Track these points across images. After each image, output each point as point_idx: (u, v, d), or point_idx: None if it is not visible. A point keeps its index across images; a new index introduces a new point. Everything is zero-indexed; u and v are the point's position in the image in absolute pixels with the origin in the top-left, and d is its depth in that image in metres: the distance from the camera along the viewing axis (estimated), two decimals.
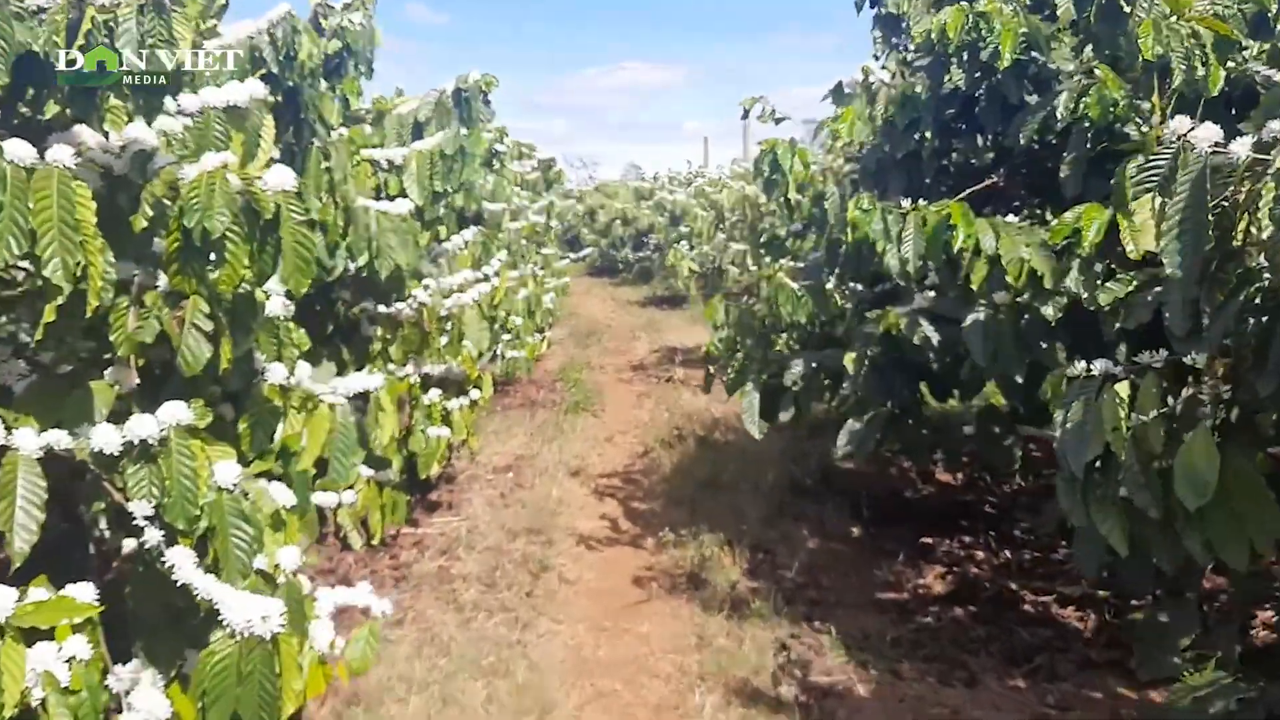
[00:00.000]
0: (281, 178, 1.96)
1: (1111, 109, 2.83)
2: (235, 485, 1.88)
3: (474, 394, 4.54)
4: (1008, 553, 4.07)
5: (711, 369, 4.24)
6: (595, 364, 9.41)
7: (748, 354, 3.83)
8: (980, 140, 3.71)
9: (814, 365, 3.63)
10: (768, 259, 9.07)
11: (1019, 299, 2.89)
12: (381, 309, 3.80)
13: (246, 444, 2.32)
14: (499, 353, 7.59)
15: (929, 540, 4.24)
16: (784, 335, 4.26)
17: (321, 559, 3.97)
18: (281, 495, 2.06)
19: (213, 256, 1.94)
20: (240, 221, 1.91)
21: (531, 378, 8.55)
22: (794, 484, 4.90)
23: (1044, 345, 2.89)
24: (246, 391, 2.38)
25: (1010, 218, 3.12)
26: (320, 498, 3.00)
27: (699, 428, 6.41)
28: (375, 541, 3.51)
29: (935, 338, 3.19)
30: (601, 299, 15.92)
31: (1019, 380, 2.97)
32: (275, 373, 2.42)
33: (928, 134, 3.57)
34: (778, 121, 4.14)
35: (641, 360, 9.73)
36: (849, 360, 3.30)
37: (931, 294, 3.38)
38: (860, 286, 3.91)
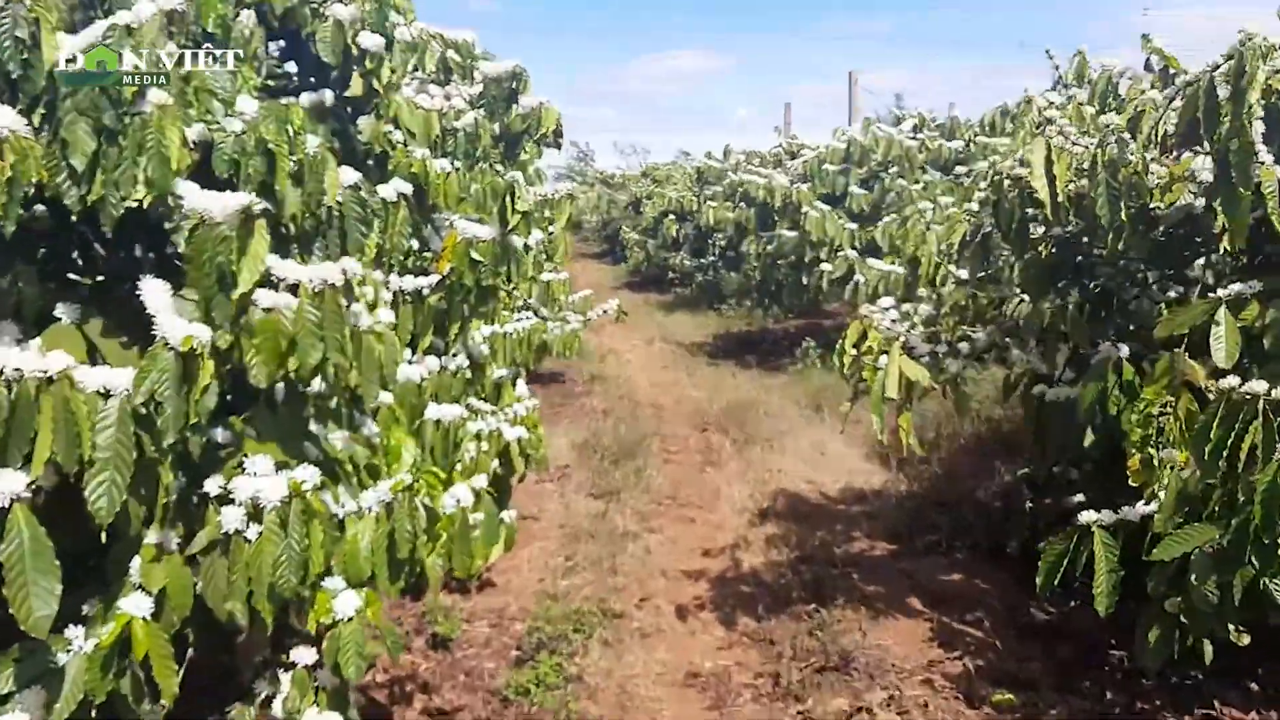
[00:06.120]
0: None
1: None
2: None
3: None
4: None
5: None
6: (627, 586, 3.81)
7: None
8: None
9: None
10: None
11: None
12: None
13: None
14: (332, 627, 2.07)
15: None
16: None
17: None
18: None
19: None
20: None
21: (453, 653, 3.02)
22: None
23: None
24: None
25: None
26: None
27: None
28: None
29: None
30: (646, 338, 10.22)
31: None
32: None
33: None
34: None
35: (739, 558, 4.11)
36: None
37: None
38: None
